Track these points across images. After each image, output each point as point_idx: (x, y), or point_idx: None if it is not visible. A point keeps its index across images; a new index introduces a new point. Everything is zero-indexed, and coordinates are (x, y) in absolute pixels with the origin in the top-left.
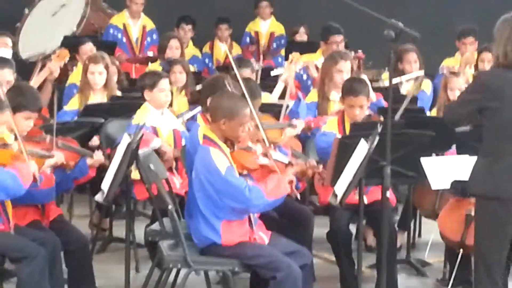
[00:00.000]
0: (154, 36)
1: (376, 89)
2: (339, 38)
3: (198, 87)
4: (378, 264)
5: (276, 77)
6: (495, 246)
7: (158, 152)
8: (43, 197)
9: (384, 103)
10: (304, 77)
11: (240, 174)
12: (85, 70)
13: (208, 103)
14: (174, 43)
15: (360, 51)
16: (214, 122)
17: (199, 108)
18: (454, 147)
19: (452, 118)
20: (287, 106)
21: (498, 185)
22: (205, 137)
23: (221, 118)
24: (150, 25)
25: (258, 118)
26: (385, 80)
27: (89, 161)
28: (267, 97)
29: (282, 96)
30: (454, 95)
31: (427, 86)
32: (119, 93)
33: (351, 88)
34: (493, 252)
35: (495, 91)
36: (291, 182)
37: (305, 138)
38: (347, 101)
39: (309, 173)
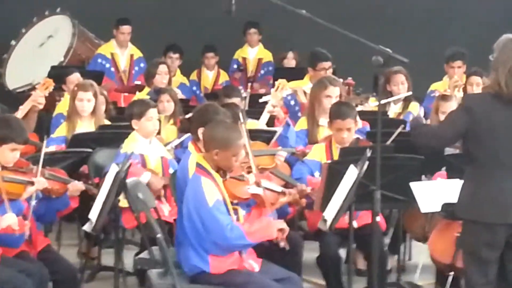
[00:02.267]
0: (142, 65)
1: (363, 113)
2: (327, 64)
3: (188, 115)
4: None
5: (264, 104)
6: (482, 269)
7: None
8: (12, 241)
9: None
10: (292, 102)
11: (232, 203)
12: (73, 97)
13: (198, 131)
14: (163, 68)
15: (350, 78)
16: (207, 151)
17: (187, 135)
18: (443, 169)
19: (439, 143)
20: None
21: (483, 210)
22: (198, 165)
23: (215, 148)
24: (137, 53)
25: (249, 145)
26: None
27: (68, 192)
28: (254, 124)
29: (270, 122)
30: None
31: (414, 108)
32: (107, 122)
33: (338, 112)
34: (480, 275)
35: (481, 116)
36: (281, 230)
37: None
38: (334, 125)
39: (302, 202)
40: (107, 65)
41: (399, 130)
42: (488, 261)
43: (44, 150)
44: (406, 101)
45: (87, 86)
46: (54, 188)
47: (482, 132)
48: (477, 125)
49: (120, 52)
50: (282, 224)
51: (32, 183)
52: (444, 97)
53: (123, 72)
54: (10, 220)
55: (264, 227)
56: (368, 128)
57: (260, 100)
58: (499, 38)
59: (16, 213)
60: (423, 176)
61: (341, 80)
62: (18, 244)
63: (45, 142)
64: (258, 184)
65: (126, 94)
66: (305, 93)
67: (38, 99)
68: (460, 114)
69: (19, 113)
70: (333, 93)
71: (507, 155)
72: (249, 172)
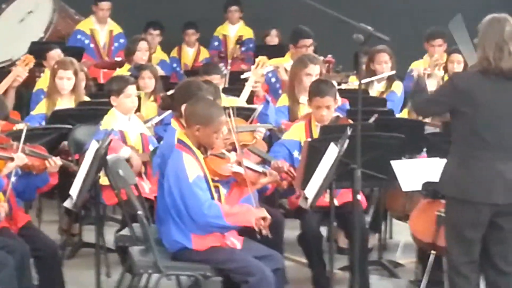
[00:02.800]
0: (122, 41)
1: (343, 91)
2: (308, 42)
3: (169, 92)
4: (351, 266)
5: (245, 81)
6: (465, 247)
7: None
8: None
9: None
10: (273, 79)
11: (213, 180)
12: (53, 75)
13: (182, 107)
14: (143, 45)
15: (330, 55)
16: (188, 127)
17: (167, 112)
18: (424, 151)
19: (422, 113)
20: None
21: (468, 189)
22: (179, 141)
23: (196, 124)
24: (117, 29)
25: (234, 125)
26: (353, 81)
27: (47, 168)
28: (235, 101)
29: (250, 100)
30: None
31: (397, 87)
32: (87, 99)
33: (317, 89)
34: (462, 253)
35: (467, 95)
36: (263, 219)
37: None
38: (314, 103)
39: (283, 184)
40: (86, 41)
41: (374, 117)
42: (471, 240)
43: (26, 127)
44: (390, 80)
45: (67, 64)
46: (34, 164)
47: (469, 111)
48: (463, 103)
49: (100, 28)
50: (264, 212)
51: (12, 159)
52: (426, 75)
53: (102, 48)
54: None
55: (243, 212)
56: (347, 105)
57: (242, 76)
58: (480, 17)
59: None
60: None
61: (322, 58)
62: None
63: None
64: (239, 163)
65: (105, 70)
66: (286, 70)
67: (18, 75)
68: (447, 89)
69: None
70: (313, 71)
71: (493, 134)
72: (230, 150)
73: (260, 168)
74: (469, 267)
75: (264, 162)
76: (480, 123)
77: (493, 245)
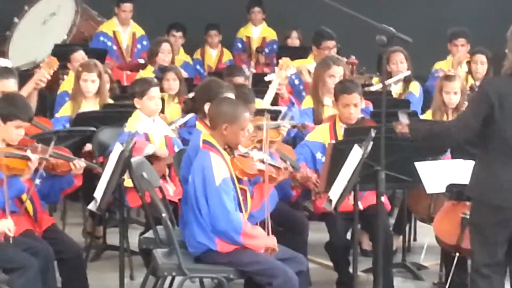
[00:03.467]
0: (145, 43)
1: (366, 93)
2: (331, 43)
3: (190, 94)
4: (375, 268)
5: (269, 83)
6: (489, 249)
7: (153, 157)
8: None
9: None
10: (296, 81)
11: (239, 179)
12: (77, 77)
13: (204, 107)
14: (166, 47)
15: (353, 57)
16: (215, 128)
17: (191, 115)
18: (449, 152)
19: (466, 135)
20: (284, 113)
21: (495, 194)
22: (205, 142)
23: (223, 123)
24: (139, 31)
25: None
26: (376, 84)
27: (72, 170)
28: (259, 103)
29: (274, 102)
30: (449, 98)
31: (415, 88)
32: (111, 101)
33: (344, 87)
34: (487, 255)
35: (497, 101)
36: (273, 250)
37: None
38: (341, 100)
39: (297, 176)
40: (109, 43)
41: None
42: (495, 241)
43: (54, 139)
44: (406, 81)
45: (92, 67)
46: (59, 166)
47: (498, 117)
48: (493, 109)
49: (122, 30)
50: (274, 242)
51: (28, 158)
52: (448, 77)
53: (125, 50)
54: (5, 225)
55: (259, 237)
56: (371, 107)
57: (266, 79)
58: (501, 17)
59: (16, 194)
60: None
61: (345, 59)
62: None
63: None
64: (261, 160)
65: (128, 72)
66: (309, 72)
67: (42, 78)
68: (479, 101)
69: (23, 92)
70: (337, 73)
71: None
72: (255, 148)
73: (281, 165)
74: (492, 269)
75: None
76: (510, 129)
77: None
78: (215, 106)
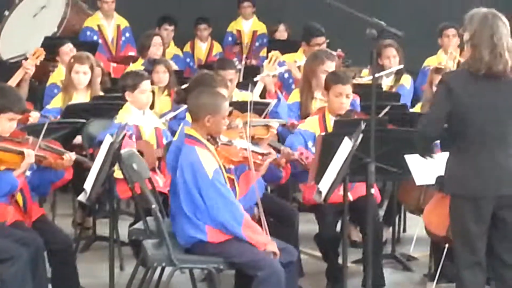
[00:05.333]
0: (127, 34)
1: (355, 86)
2: (321, 40)
3: (184, 86)
4: (365, 259)
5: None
6: (469, 244)
7: (141, 152)
8: None
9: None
10: (286, 75)
11: (226, 168)
12: (69, 69)
13: None
14: (157, 40)
15: (339, 50)
16: (197, 120)
17: (182, 108)
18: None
19: (436, 127)
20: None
21: (468, 184)
22: (187, 136)
23: (205, 115)
24: (123, 23)
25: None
26: (364, 76)
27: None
28: (247, 96)
29: (263, 95)
30: None
31: (406, 80)
32: (101, 94)
33: (339, 78)
34: (468, 252)
35: (461, 95)
36: (275, 254)
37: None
38: (334, 90)
39: (281, 162)
40: (95, 37)
41: (389, 106)
42: (474, 235)
43: (46, 123)
44: (398, 74)
45: (84, 59)
46: (51, 159)
47: (463, 110)
48: (457, 103)
49: (107, 23)
50: (275, 248)
51: (21, 153)
52: (439, 70)
53: (110, 43)
54: None
55: (261, 235)
56: (358, 101)
57: (255, 79)
58: (495, 11)
59: (9, 189)
60: None
61: (334, 53)
62: None
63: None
64: (245, 149)
65: (115, 65)
66: (299, 67)
67: (29, 66)
68: (442, 95)
69: (11, 82)
70: (331, 68)
71: (487, 131)
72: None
73: (264, 151)
74: (474, 262)
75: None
76: (475, 119)
77: (498, 239)
78: (194, 99)
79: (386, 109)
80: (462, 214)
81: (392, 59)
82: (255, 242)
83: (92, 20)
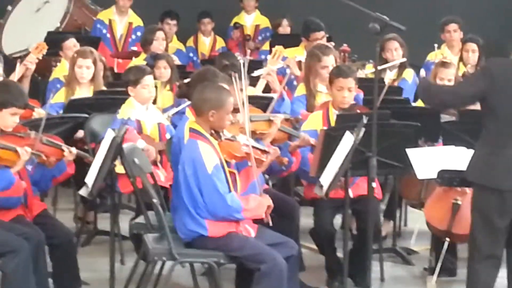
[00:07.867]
0: (138, 33)
1: (359, 80)
2: (320, 34)
3: (186, 80)
4: (364, 253)
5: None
6: (489, 235)
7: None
8: (9, 204)
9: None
10: (288, 70)
11: (227, 163)
12: (72, 64)
13: None
14: (160, 35)
15: (345, 45)
16: (201, 115)
17: (186, 103)
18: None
19: (455, 100)
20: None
21: (497, 177)
22: (191, 130)
23: (210, 109)
24: (137, 22)
25: (248, 111)
26: (368, 69)
27: (64, 158)
28: (251, 91)
29: (266, 90)
30: (443, 84)
31: (408, 74)
32: (104, 89)
33: (340, 71)
34: (487, 242)
35: (500, 82)
36: (269, 207)
37: None
38: (336, 84)
39: (284, 160)
40: (104, 31)
41: (384, 91)
42: (497, 228)
43: (44, 116)
44: (401, 67)
45: (87, 53)
46: (51, 155)
47: (500, 98)
48: (495, 90)
49: (119, 19)
50: (269, 201)
51: (15, 151)
52: (444, 64)
53: (118, 39)
54: None
55: (257, 206)
56: (362, 95)
57: (255, 74)
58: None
59: (5, 185)
60: (419, 141)
61: (333, 44)
62: (16, 205)
63: (45, 111)
64: (246, 144)
65: (120, 60)
66: (301, 62)
67: (31, 61)
68: (481, 76)
69: (13, 77)
70: (329, 63)
71: None
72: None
73: (265, 148)
74: (492, 256)
75: (291, 139)
76: (507, 113)
77: None
78: (198, 93)
79: (380, 98)
80: (487, 206)
81: (395, 52)
82: (256, 216)
83: (105, 13)
